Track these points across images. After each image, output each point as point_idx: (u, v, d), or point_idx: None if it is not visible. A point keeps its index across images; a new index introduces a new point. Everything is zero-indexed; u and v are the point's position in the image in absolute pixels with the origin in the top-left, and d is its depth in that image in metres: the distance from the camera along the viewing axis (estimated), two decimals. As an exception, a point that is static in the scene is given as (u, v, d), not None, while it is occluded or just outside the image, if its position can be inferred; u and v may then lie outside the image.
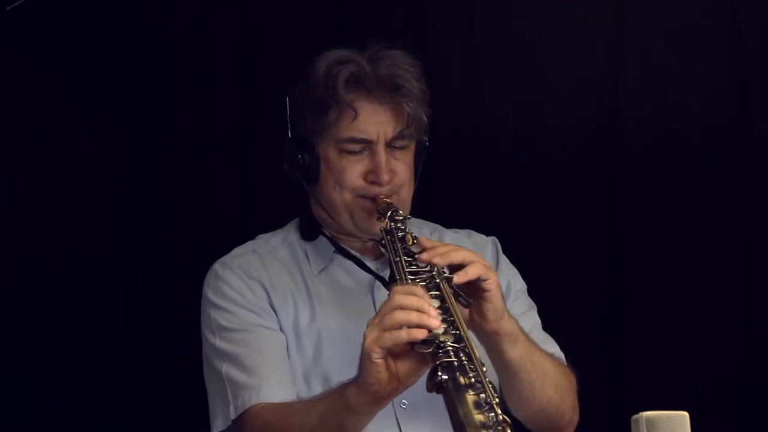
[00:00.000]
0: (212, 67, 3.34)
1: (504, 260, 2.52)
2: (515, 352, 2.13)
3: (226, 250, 2.49)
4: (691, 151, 3.15)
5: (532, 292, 2.54)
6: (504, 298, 2.13)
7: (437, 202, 3.20)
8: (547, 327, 2.48)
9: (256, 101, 3.29)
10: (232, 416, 2.25)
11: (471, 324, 2.09)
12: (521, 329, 2.16)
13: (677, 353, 3.12)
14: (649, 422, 1.87)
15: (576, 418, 2.35)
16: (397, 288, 1.93)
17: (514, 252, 2.62)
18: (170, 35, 3.35)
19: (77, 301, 3.26)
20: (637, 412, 1.89)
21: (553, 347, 2.40)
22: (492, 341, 2.11)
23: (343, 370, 2.15)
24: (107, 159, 3.31)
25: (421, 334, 1.82)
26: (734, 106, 3.16)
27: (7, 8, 3.27)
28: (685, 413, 1.88)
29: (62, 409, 3.23)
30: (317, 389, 2.27)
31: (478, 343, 2.17)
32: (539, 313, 2.50)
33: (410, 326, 1.84)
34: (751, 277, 3.13)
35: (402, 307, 1.86)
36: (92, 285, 3.26)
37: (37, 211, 3.29)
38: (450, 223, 2.62)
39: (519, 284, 2.50)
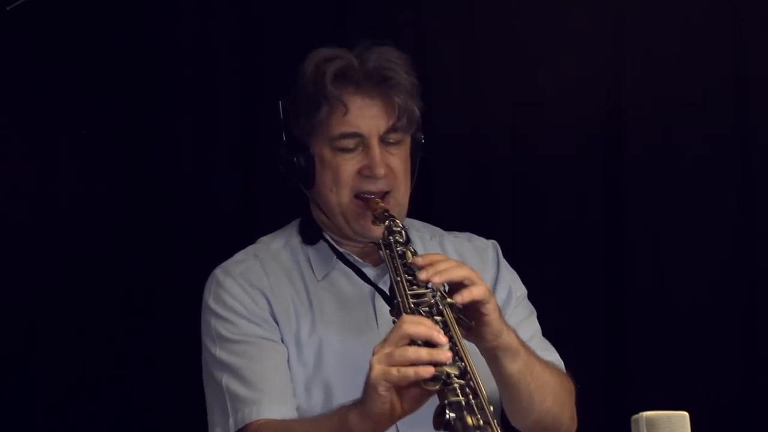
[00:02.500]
0: (212, 67, 3.34)
1: (504, 265, 2.51)
2: (514, 366, 2.12)
3: (227, 250, 2.48)
4: (691, 151, 3.15)
5: (532, 293, 2.54)
6: (502, 313, 2.12)
7: (437, 203, 3.20)
8: (547, 327, 2.48)
9: (256, 102, 3.29)
10: (232, 430, 2.24)
11: (469, 339, 2.08)
12: (521, 342, 2.15)
13: (677, 353, 3.11)
14: (649, 422, 1.87)
15: (574, 427, 2.34)
16: (406, 317, 1.91)
17: (514, 252, 2.61)
18: (170, 35, 3.35)
19: (77, 302, 3.25)
20: (637, 412, 1.89)
21: (552, 355, 2.39)
22: (491, 355, 2.11)
23: (344, 380, 2.16)
24: (107, 159, 3.31)
25: (427, 373, 1.80)
26: (734, 106, 3.16)
27: (7, 8, 3.27)
28: (685, 413, 1.88)
29: (62, 410, 3.23)
30: (318, 399, 2.27)
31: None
32: (540, 313, 2.50)
33: (420, 364, 1.82)
34: (751, 277, 3.13)
35: (411, 337, 1.85)
36: (92, 286, 3.26)
37: (37, 211, 3.29)
38: (450, 224, 2.62)
39: (520, 290, 2.49)
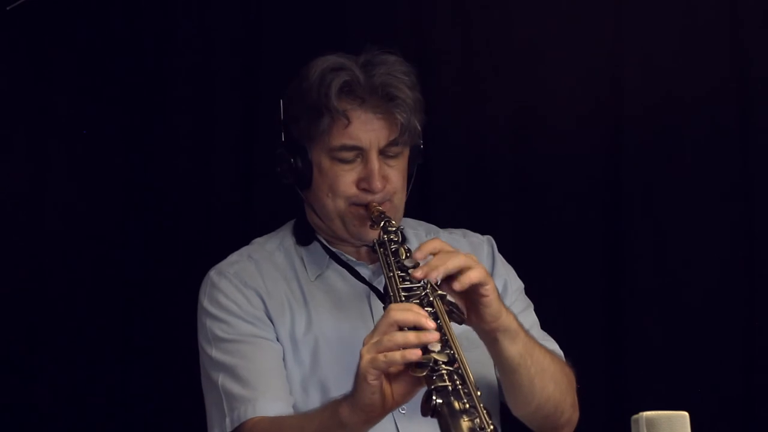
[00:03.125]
0: (212, 68, 3.34)
1: (500, 259, 2.52)
2: (514, 348, 2.13)
3: (227, 250, 2.49)
4: (691, 151, 3.15)
5: (532, 292, 2.54)
6: (501, 297, 2.12)
7: (437, 202, 3.20)
8: (547, 326, 2.48)
9: (256, 102, 3.29)
10: (228, 429, 2.25)
11: (469, 323, 2.09)
12: (520, 325, 2.15)
13: (677, 353, 3.11)
14: (649, 422, 1.87)
15: (576, 417, 2.35)
16: (394, 305, 1.93)
17: (514, 252, 2.62)
18: (170, 35, 3.35)
19: (75, 302, 3.25)
20: (637, 412, 1.89)
21: (552, 345, 2.40)
22: (491, 338, 2.12)
23: (340, 379, 2.16)
24: (106, 159, 3.31)
25: (414, 356, 1.81)
26: (734, 106, 3.16)
27: (7, 8, 3.27)
28: (685, 413, 1.88)
29: (62, 410, 3.23)
30: (315, 398, 2.28)
31: (480, 343, 2.18)
32: (539, 312, 2.51)
33: (408, 347, 1.83)
34: (751, 277, 3.13)
35: (399, 323, 1.86)
36: (90, 286, 3.26)
37: (36, 211, 3.29)
38: (450, 223, 2.62)
39: (516, 283, 2.50)
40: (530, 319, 2.44)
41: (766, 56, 3.12)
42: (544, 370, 2.20)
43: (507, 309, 2.12)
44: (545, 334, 2.44)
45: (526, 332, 2.18)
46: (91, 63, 3.32)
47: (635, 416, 1.89)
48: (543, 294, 2.59)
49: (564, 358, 2.38)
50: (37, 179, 3.30)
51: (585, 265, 3.20)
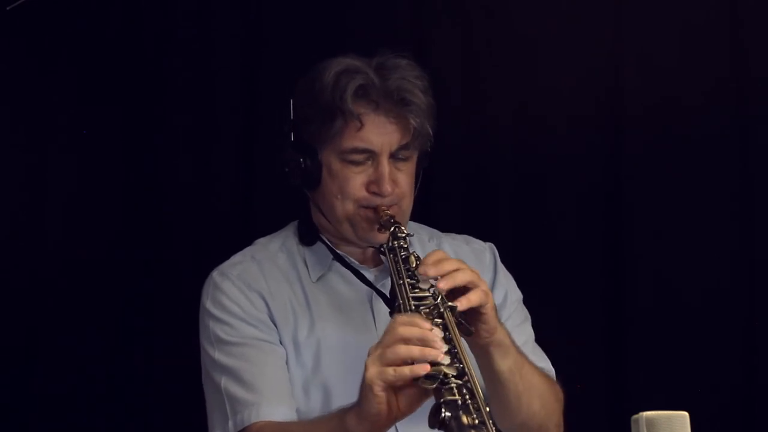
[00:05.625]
0: (212, 68, 3.34)
1: (502, 269, 2.52)
2: (505, 363, 2.13)
3: (227, 250, 2.48)
4: (692, 151, 3.15)
5: (533, 293, 2.54)
6: (497, 311, 2.12)
7: (437, 206, 3.20)
8: (547, 327, 2.49)
9: (256, 102, 3.29)
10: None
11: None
12: (512, 341, 2.15)
13: (677, 353, 3.12)
14: (649, 422, 1.87)
15: None
16: (399, 318, 1.91)
17: (515, 251, 2.61)
18: (170, 35, 3.35)
19: (77, 302, 3.25)
20: (637, 412, 1.89)
21: (543, 362, 2.40)
22: (483, 351, 2.11)
23: (342, 381, 2.16)
24: (106, 160, 3.31)
25: (423, 370, 1.80)
26: (734, 107, 3.16)
27: (7, 8, 3.27)
28: (685, 413, 1.88)
29: (62, 410, 3.23)
30: (317, 400, 2.28)
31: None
32: (540, 313, 2.51)
33: (413, 361, 1.83)
34: (751, 277, 3.13)
35: (404, 340, 1.85)
36: (90, 287, 3.26)
37: (37, 211, 3.29)
38: (449, 226, 2.62)
39: (515, 295, 2.50)
40: (526, 334, 2.44)
41: (766, 56, 3.13)
42: (532, 387, 2.20)
43: (501, 324, 2.12)
44: (539, 350, 2.44)
45: (518, 348, 2.18)
46: (91, 63, 3.32)
47: (635, 416, 1.89)
48: (543, 294, 2.59)
49: (555, 377, 2.38)
50: (37, 179, 3.30)
51: (585, 265, 3.20)
